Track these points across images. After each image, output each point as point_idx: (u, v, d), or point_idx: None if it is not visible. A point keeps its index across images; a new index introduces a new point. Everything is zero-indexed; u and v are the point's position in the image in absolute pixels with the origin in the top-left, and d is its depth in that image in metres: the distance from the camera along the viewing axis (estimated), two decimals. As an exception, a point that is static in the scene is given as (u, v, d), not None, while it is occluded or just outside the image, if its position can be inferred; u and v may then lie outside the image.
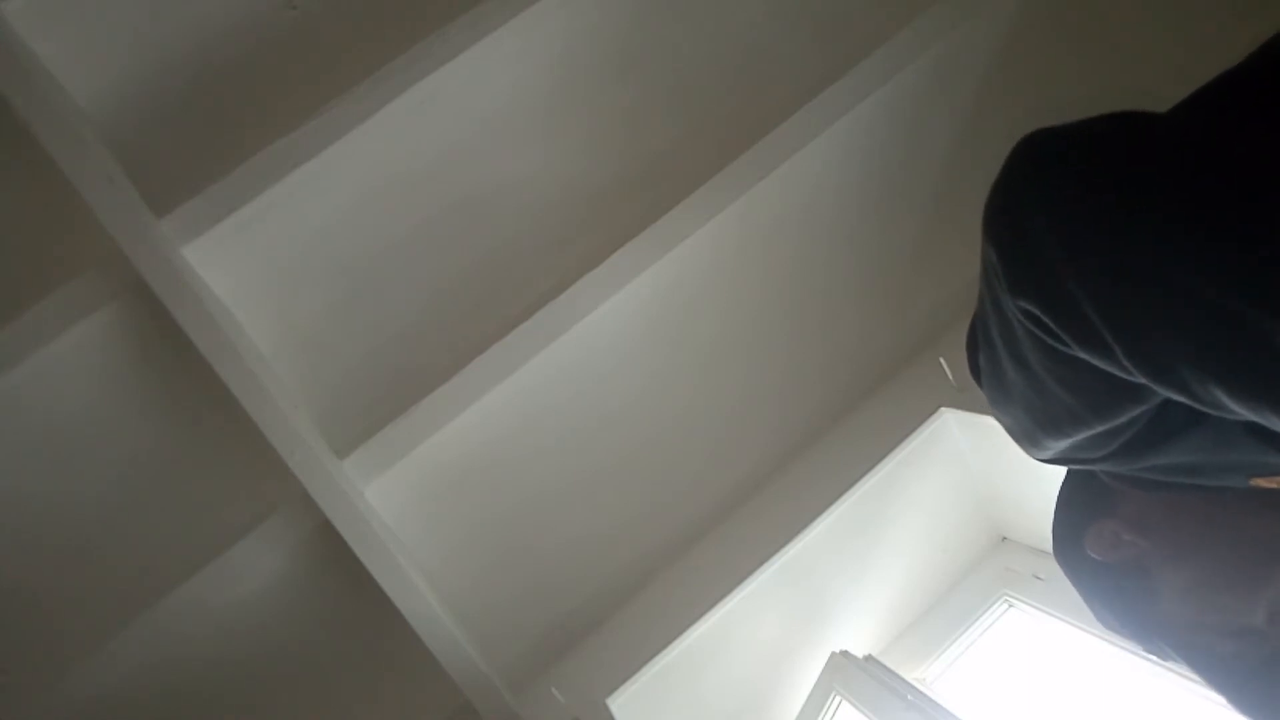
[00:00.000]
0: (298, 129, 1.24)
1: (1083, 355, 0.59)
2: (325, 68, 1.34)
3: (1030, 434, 0.74)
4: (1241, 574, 0.72)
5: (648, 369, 1.43)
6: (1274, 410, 0.53)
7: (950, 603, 1.62)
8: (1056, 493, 0.87)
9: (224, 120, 1.34)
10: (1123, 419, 0.64)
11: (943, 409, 1.44)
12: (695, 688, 1.43)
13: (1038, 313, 0.60)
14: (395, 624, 1.18)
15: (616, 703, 1.32)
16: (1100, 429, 0.66)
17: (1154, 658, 0.81)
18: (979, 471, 1.54)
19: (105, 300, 1.16)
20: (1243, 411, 0.55)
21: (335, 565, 1.21)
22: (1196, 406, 0.57)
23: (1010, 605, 1.59)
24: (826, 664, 1.54)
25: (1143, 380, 0.58)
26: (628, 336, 1.38)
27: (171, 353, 1.18)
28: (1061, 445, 0.71)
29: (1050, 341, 0.61)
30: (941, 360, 1.43)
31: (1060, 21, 1.50)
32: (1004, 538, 1.66)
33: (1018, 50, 1.49)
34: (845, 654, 1.53)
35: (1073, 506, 0.84)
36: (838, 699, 1.50)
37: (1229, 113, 0.71)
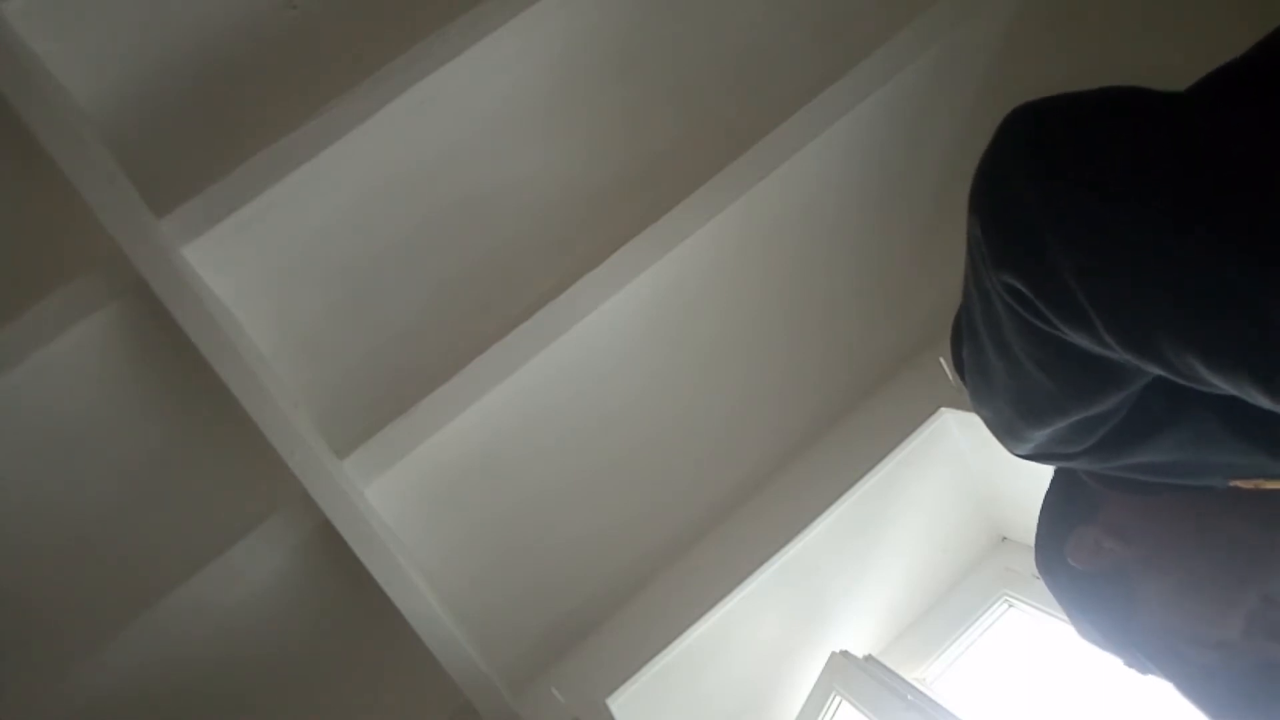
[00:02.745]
0: (298, 129, 1.24)
1: (1063, 331, 0.59)
2: (325, 68, 1.34)
3: (1011, 425, 0.73)
4: (1220, 582, 0.72)
5: (648, 369, 1.43)
6: (1251, 381, 0.52)
7: (950, 603, 1.62)
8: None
9: (224, 120, 1.34)
10: (1103, 406, 0.64)
11: (943, 409, 1.44)
12: (695, 688, 1.43)
13: (1019, 285, 0.59)
14: (395, 624, 1.18)
15: (616, 703, 1.32)
16: (1080, 416, 0.65)
17: (1134, 670, 0.81)
18: (979, 471, 1.54)
19: (105, 300, 1.16)
20: (1218, 383, 0.54)
21: (335, 565, 1.21)
22: (1173, 379, 0.57)
23: (1010, 605, 1.59)
24: (826, 664, 1.54)
25: (1120, 355, 0.58)
26: (628, 336, 1.38)
27: (171, 353, 1.18)
28: (1042, 436, 0.70)
29: (1031, 319, 0.61)
30: (941, 360, 1.43)
31: (1060, 21, 1.50)
32: (1004, 538, 1.66)
33: (1018, 50, 1.49)
34: (845, 654, 1.53)
35: (1055, 514, 0.84)
36: (838, 699, 1.50)
37: (1227, 91, 0.71)
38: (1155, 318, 0.55)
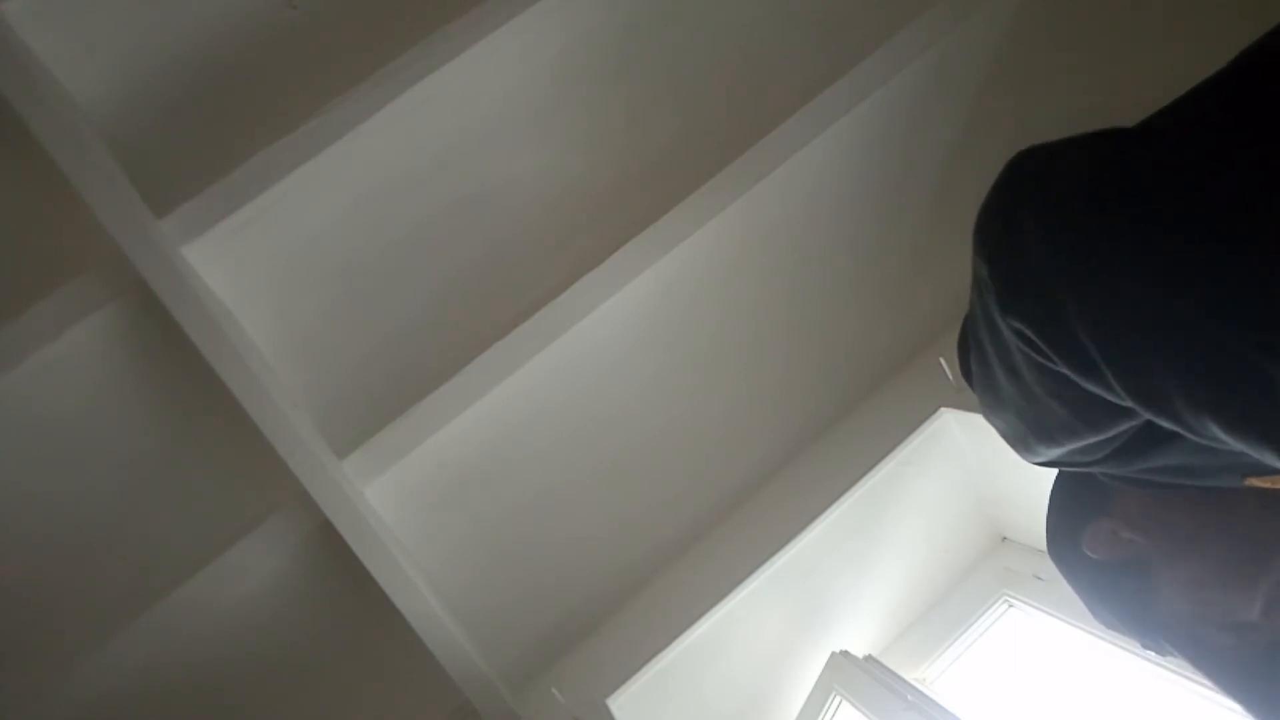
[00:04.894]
0: (298, 129, 1.24)
1: (1074, 377, 0.59)
2: (325, 68, 1.34)
3: (1023, 440, 0.74)
4: (1238, 568, 0.72)
5: (647, 369, 1.43)
6: (1273, 450, 0.52)
7: (950, 603, 1.62)
8: (1052, 492, 0.87)
9: (224, 120, 1.34)
10: (1115, 430, 0.64)
11: (943, 409, 1.44)
12: (695, 688, 1.43)
13: (1030, 333, 0.59)
14: (395, 624, 1.18)
15: (616, 703, 1.32)
16: (1093, 439, 0.66)
17: (1152, 654, 0.81)
18: (979, 471, 1.54)
19: (105, 300, 1.16)
20: (1238, 447, 0.54)
21: (335, 565, 1.21)
22: (1188, 436, 0.57)
23: (1010, 605, 1.59)
24: (826, 664, 1.54)
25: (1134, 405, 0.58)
26: (627, 337, 1.38)
27: (171, 353, 1.18)
28: (1055, 452, 0.71)
29: (1041, 360, 0.60)
30: (941, 360, 1.43)
31: (1059, 22, 1.50)
32: (1004, 538, 1.66)
33: (1018, 50, 1.49)
34: (845, 654, 1.53)
35: (1067, 506, 0.84)
36: (838, 699, 1.50)
37: (1227, 131, 0.70)
38: (1170, 381, 0.54)
